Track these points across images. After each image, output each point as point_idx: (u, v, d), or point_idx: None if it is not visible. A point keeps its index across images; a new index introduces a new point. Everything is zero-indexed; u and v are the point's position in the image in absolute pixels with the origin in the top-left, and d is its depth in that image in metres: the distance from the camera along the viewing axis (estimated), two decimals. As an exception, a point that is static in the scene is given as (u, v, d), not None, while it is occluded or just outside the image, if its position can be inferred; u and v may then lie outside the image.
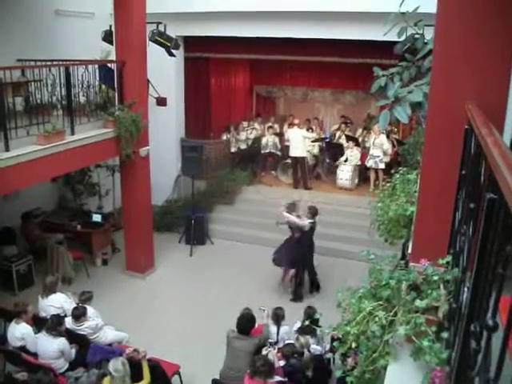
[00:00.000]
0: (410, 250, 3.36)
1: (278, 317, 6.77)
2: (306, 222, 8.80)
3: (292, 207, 9.03)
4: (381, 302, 2.70)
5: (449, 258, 2.54)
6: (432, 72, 2.93)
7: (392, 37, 4.88)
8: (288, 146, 13.20)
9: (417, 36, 4.89)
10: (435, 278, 2.53)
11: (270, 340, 6.24)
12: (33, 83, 7.92)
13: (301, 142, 12.41)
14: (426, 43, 4.70)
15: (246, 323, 6.19)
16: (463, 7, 2.72)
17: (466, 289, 1.99)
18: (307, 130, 13.12)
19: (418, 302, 2.47)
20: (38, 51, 8.95)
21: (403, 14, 4.65)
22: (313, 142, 12.99)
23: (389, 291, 2.68)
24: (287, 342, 6.44)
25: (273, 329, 6.77)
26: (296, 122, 13.22)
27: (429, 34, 3.57)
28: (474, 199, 1.97)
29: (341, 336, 2.85)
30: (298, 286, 9.12)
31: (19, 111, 7.60)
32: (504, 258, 1.26)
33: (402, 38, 4.92)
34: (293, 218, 8.82)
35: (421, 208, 3.11)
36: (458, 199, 2.60)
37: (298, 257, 8.97)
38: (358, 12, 9.61)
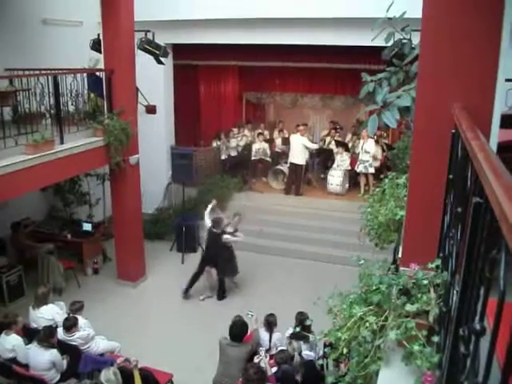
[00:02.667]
0: (400, 255, 3.37)
1: (270, 323, 6.75)
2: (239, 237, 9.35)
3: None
4: (371, 307, 2.70)
5: (438, 262, 2.55)
6: (418, 76, 2.94)
7: (380, 42, 4.91)
8: (279, 153, 13.20)
9: (404, 41, 4.92)
10: (425, 282, 2.54)
11: (261, 348, 6.22)
12: (21, 92, 7.89)
13: (301, 150, 12.41)
14: (413, 48, 4.74)
15: (238, 330, 6.19)
16: (449, 12, 2.74)
17: (455, 292, 1.99)
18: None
19: (408, 307, 2.47)
20: (26, 60, 8.90)
21: (390, 19, 4.68)
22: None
23: (379, 296, 2.68)
24: (280, 348, 6.42)
25: (265, 335, 6.75)
26: (301, 128, 13.11)
27: (416, 39, 3.59)
28: (462, 203, 1.98)
29: (333, 342, 2.84)
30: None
31: (7, 121, 7.57)
32: (491, 261, 1.27)
33: (390, 44, 4.96)
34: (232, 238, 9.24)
35: (410, 212, 3.12)
36: (447, 203, 2.61)
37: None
38: (345, 18, 9.65)
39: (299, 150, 12.41)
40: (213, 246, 9.19)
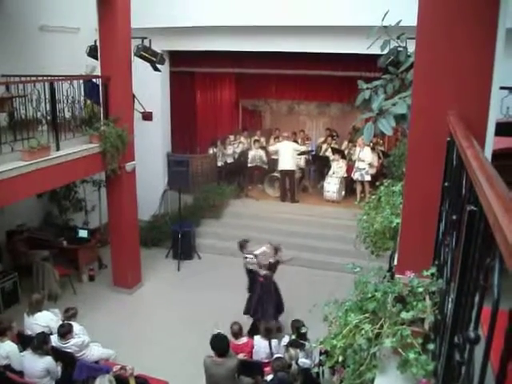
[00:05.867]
0: (395, 262, 3.37)
1: (267, 331, 6.73)
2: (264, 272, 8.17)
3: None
4: (367, 315, 2.69)
5: (433, 270, 2.55)
6: (413, 84, 2.96)
7: (376, 50, 4.95)
8: (275, 160, 13.21)
9: (400, 49, 4.96)
10: (420, 289, 2.54)
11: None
12: (17, 99, 7.89)
13: (291, 155, 12.44)
14: (408, 56, 4.77)
15: (220, 343, 6.06)
16: (444, 20, 2.76)
17: (450, 300, 2.00)
18: (294, 141, 13.17)
19: (403, 314, 2.46)
20: (22, 67, 8.90)
21: (386, 27, 4.72)
22: (299, 154, 13.02)
23: (375, 304, 2.67)
24: (276, 356, 6.39)
25: (262, 343, 6.73)
26: (285, 134, 13.27)
27: (412, 46, 3.61)
28: (457, 211, 1.99)
29: (328, 349, 2.83)
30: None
31: (3, 127, 7.55)
32: (485, 269, 1.27)
33: (386, 51, 4.99)
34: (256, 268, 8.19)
35: (405, 220, 3.12)
36: (442, 211, 2.62)
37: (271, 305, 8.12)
38: (342, 26, 9.69)
39: (289, 156, 12.43)
40: None
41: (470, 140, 1.88)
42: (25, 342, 6.61)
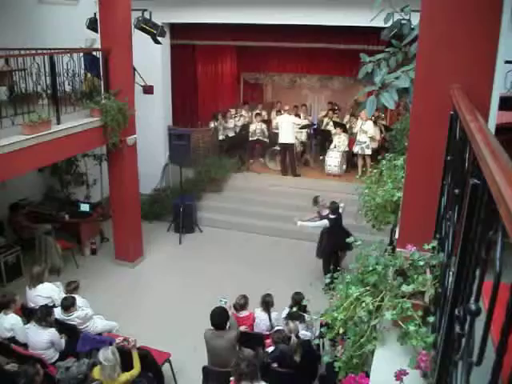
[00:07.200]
0: (396, 236, 3.38)
1: (267, 304, 6.78)
2: (324, 222, 9.09)
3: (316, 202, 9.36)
4: (368, 288, 2.71)
5: (435, 243, 2.56)
6: (417, 57, 2.93)
7: (379, 23, 4.88)
8: (276, 133, 13.17)
9: (403, 22, 4.89)
10: (421, 263, 2.55)
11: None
12: (17, 72, 7.83)
13: (290, 129, 12.39)
14: (412, 29, 4.71)
15: (219, 318, 6.06)
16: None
17: (451, 273, 2.01)
18: (295, 116, 13.08)
19: (404, 287, 2.48)
20: (22, 40, 8.81)
21: (390, -1, 4.65)
22: (301, 128, 12.98)
23: (376, 277, 2.69)
24: (277, 328, 6.46)
25: (263, 316, 6.79)
26: (286, 108, 13.21)
27: (415, 19, 3.57)
28: (459, 185, 1.98)
29: (329, 322, 2.86)
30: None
31: (3, 101, 7.51)
32: (487, 243, 1.27)
33: (389, 24, 4.92)
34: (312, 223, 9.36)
35: (407, 194, 3.12)
36: (444, 185, 2.62)
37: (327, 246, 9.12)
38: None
39: (288, 129, 12.41)
40: None
41: (473, 113, 1.87)
42: (28, 314, 6.68)
